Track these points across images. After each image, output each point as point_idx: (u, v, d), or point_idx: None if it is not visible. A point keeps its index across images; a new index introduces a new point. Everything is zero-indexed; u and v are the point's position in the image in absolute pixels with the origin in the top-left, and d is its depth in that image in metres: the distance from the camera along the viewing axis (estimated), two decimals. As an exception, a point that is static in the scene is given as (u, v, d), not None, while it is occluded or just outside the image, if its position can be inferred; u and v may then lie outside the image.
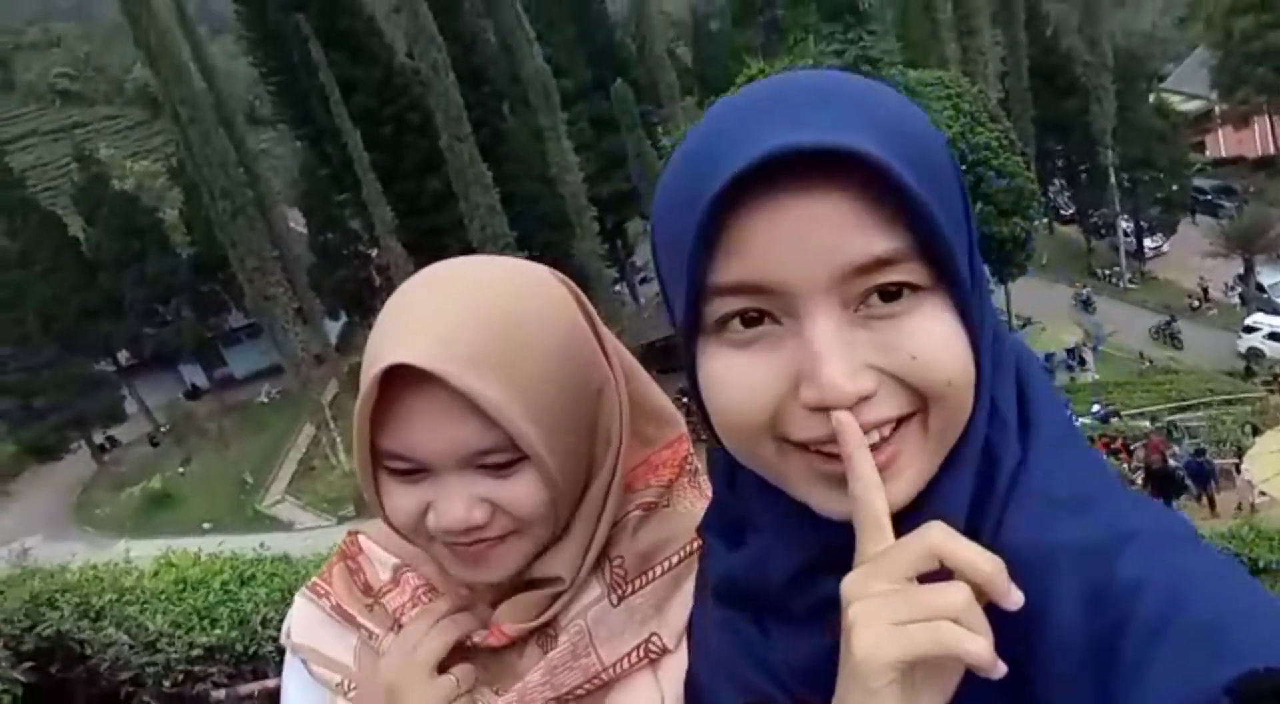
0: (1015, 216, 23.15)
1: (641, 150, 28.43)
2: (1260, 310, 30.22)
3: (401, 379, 0.78)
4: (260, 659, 5.98)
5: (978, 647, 0.56)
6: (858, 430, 0.60)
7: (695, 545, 0.94)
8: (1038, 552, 0.61)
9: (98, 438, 39.00)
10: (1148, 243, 38.13)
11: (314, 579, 1.06)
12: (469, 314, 0.81)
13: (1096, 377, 28.41)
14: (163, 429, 39.30)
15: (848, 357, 0.60)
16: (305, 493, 33.82)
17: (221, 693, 5.82)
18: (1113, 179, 35.95)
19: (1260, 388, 24.19)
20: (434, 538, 0.86)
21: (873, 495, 0.60)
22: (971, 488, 0.64)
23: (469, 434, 0.80)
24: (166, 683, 5.97)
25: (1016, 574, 0.60)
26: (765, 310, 0.61)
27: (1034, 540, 0.61)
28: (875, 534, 0.61)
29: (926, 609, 0.57)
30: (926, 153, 0.62)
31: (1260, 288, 31.85)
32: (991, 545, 0.60)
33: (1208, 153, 43.14)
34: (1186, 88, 43.16)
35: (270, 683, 5.80)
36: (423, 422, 0.80)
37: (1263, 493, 11.13)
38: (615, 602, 0.92)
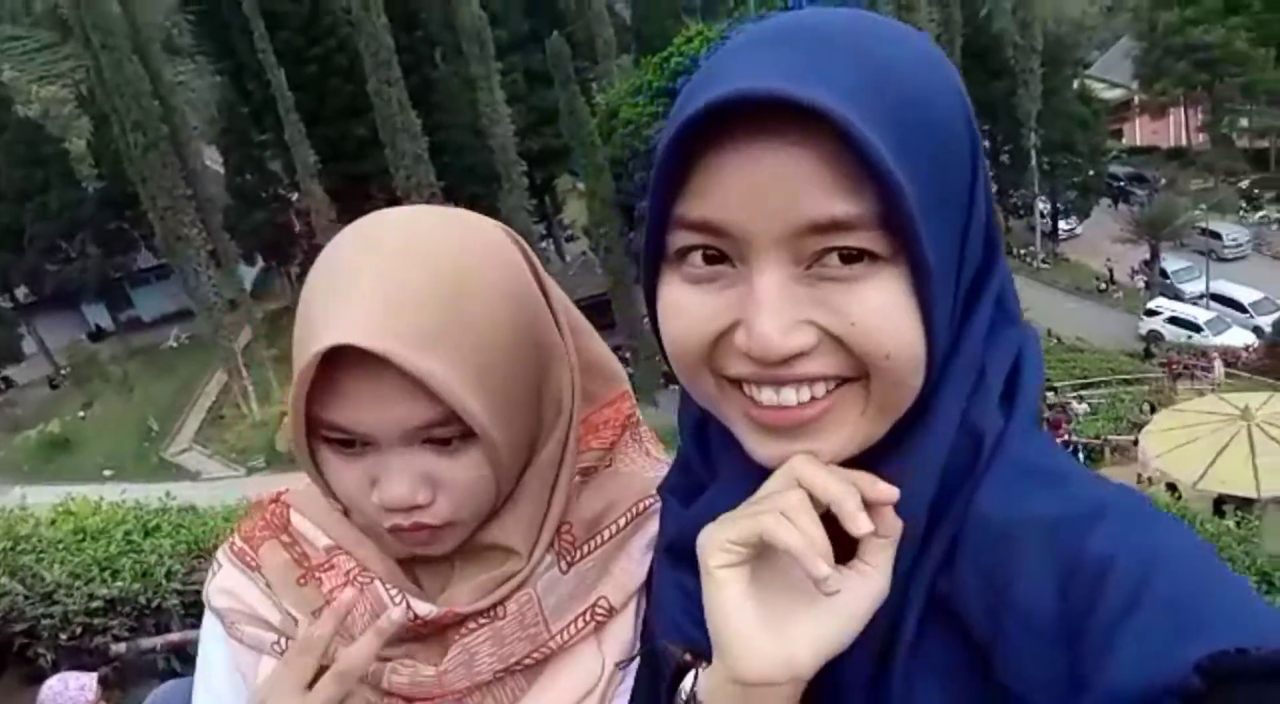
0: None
1: (574, 106, 28.01)
2: (1163, 295, 31.51)
3: (343, 354, 0.74)
4: (163, 612, 5.81)
5: (789, 537, 0.60)
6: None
7: (642, 506, 0.94)
8: (1009, 523, 0.61)
9: (-9, 377, 37.35)
10: (1062, 225, 39.26)
11: (240, 544, 0.98)
12: (417, 284, 0.77)
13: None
14: (63, 371, 37.75)
15: (786, 312, 0.60)
16: (214, 442, 32.97)
17: (122, 646, 5.63)
18: (1034, 161, 36.82)
19: (1158, 369, 25.27)
20: (374, 517, 0.83)
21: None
22: (944, 458, 0.64)
23: (414, 410, 0.77)
24: (64, 636, 5.76)
25: (987, 545, 0.61)
26: (723, 251, 0.62)
27: (1006, 512, 0.62)
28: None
29: (762, 506, 0.63)
30: (919, 116, 0.59)
31: (1164, 273, 33.16)
32: (965, 514, 0.63)
33: (1125, 140, 44.48)
34: (1110, 76, 44.31)
35: (174, 637, 5.64)
36: (366, 398, 0.77)
37: (1158, 468, 11.75)
38: (564, 569, 0.90)
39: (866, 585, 0.63)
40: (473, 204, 33.61)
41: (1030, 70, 35.75)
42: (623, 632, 0.91)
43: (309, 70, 33.00)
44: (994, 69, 38.30)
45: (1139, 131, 45.54)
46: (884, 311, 0.60)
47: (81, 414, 35.22)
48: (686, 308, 0.64)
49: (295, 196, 35.70)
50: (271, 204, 36.58)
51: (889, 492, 0.62)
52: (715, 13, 25.55)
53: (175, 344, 38.73)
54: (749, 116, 0.57)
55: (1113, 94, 43.28)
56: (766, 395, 0.63)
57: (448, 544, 0.86)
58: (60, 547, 6.45)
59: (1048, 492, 0.62)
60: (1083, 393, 22.69)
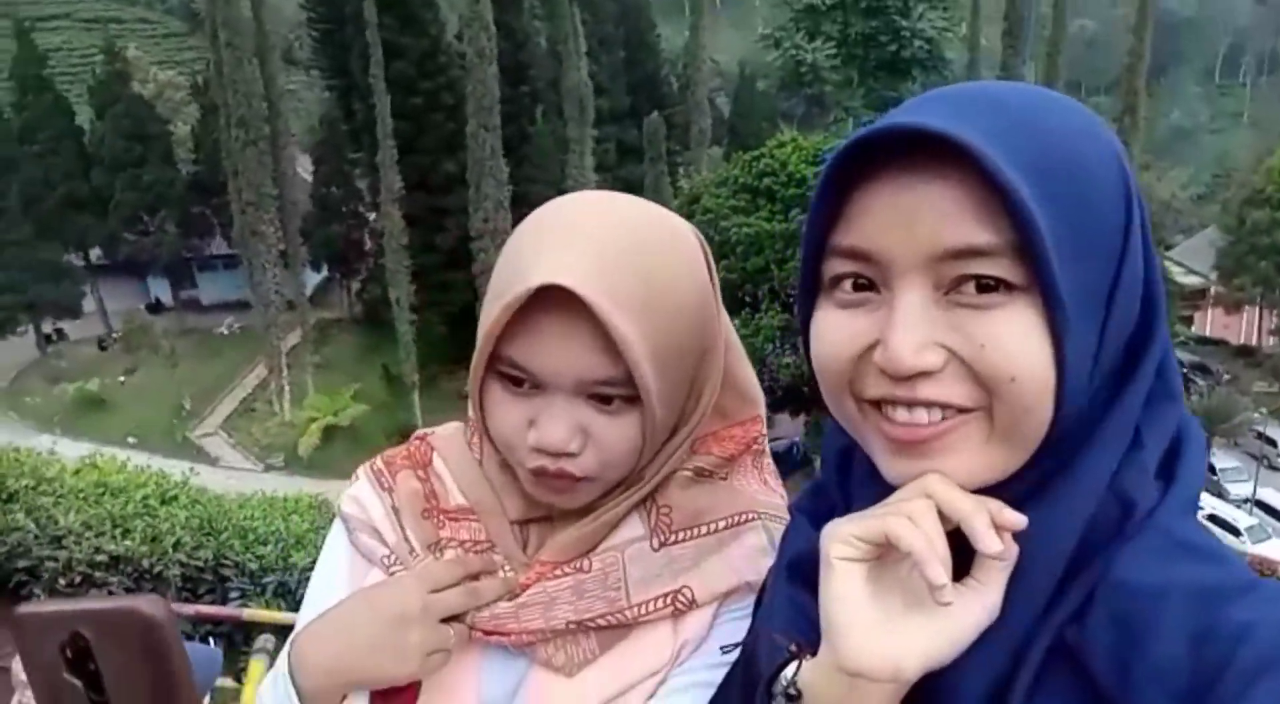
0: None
1: (659, 185, 28.63)
2: (1207, 491, 30.80)
3: (547, 297, 0.79)
4: (163, 581, 5.86)
5: (913, 539, 0.62)
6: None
7: (746, 517, 0.96)
8: (1151, 586, 0.61)
9: (47, 327, 38.25)
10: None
11: (380, 464, 1.05)
12: (624, 247, 0.83)
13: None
14: (114, 335, 38.59)
15: (921, 330, 0.63)
16: (239, 432, 33.31)
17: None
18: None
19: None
20: (523, 456, 0.87)
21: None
22: (1088, 514, 0.65)
23: (593, 363, 0.82)
24: (63, 581, 5.83)
25: (1125, 603, 0.61)
26: (872, 279, 0.66)
27: (1150, 576, 0.62)
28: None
29: (890, 509, 0.65)
30: (1063, 166, 0.62)
31: (1212, 469, 32.45)
32: (1105, 574, 0.63)
33: (1194, 328, 44.10)
34: (1190, 262, 44.19)
35: (206, 609, 5.65)
36: (554, 341, 0.82)
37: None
38: (656, 547, 0.93)
39: (979, 603, 0.64)
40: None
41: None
42: (699, 628, 0.92)
43: (414, 102, 34.11)
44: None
45: (1210, 322, 45.13)
46: (1012, 336, 0.62)
47: (122, 379, 35.86)
48: (833, 329, 0.69)
49: (373, 217, 36.58)
50: (349, 219, 37.54)
51: (1016, 518, 0.64)
52: (812, 124, 26.06)
53: (226, 332, 39.47)
54: (900, 152, 0.62)
55: (1190, 280, 43.09)
56: (900, 414, 0.66)
57: (579, 499, 0.90)
58: (80, 496, 6.56)
59: (1197, 565, 0.63)
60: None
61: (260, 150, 32.50)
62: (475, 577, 0.92)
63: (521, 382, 0.85)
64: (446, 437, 1.04)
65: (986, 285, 0.62)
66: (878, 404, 0.68)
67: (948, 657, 0.64)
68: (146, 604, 0.70)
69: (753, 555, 0.94)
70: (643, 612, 0.90)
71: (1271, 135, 56.07)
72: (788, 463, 31.47)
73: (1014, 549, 0.64)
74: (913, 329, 0.63)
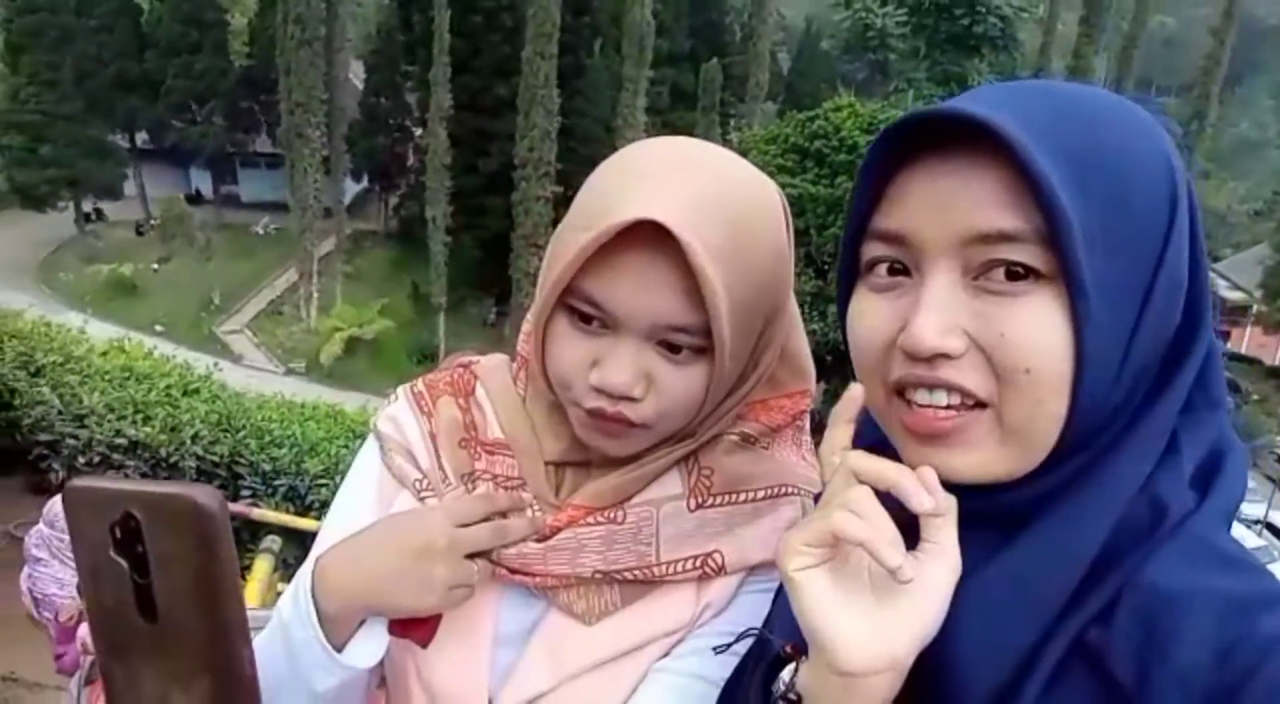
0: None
1: (710, 134, 28.26)
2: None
3: (633, 234, 0.78)
4: (179, 470, 5.96)
5: (858, 530, 0.62)
6: (848, 408, 0.70)
7: (785, 489, 0.95)
8: (1180, 591, 0.61)
9: (87, 205, 38.52)
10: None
11: (420, 387, 1.04)
12: (717, 195, 0.81)
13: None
14: (152, 221, 38.83)
15: (945, 313, 0.64)
16: (264, 332, 33.63)
17: (131, 488, 5.80)
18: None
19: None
20: (580, 395, 0.86)
21: (832, 455, 0.70)
22: (1116, 515, 0.65)
23: (673, 307, 0.80)
24: (81, 460, 5.95)
25: (1153, 605, 0.61)
26: (905, 263, 0.67)
27: (1179, 582, 0.62)
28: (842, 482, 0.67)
29: (831, 506, 0.66)
30: (1104, 154, 0.63)
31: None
32: (1134, 577, 0.63)
33: (1229, 344, 43.46)
34: (1235, 277, 43.40)
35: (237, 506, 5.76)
36: (635, 280, 0.80)
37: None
38: (692, 507, 0.92)
39: (939, 564, 0.64)
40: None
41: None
42: (723, 594, 0.92)
43: (473, 19, 33.67)
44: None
45: (1247, 340, 44.43)
46: (1033, 326, 0.62)
47: (155, 266, 36.17)
48: (867, 313, 0.70)
49: (419, 132, 36.39)
50: (395, 132, 37.36)
51: (928, 472, 0.65)
52: (871, 91, 25.55)
53: (262, 231, 39.62)
54: (940, 138, 0.64)
55: (1233, 295, 42.37)
56: (920, 396, 0.67)
57: (628, 447, 0.89)
58: (105, 377, 6.66)
59: (1230, 573, 0.62)
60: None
61: (314, 51, 32.20)
62: (504, 514, 0.92)
63: (591, 319, 0.83)
64: (491, 367, 1.03)
65: (1015, 273, 0.63)
66: (900, 392, 0.68)
67: (935, 625, 0.64)
68: (203, 494, 0.69)
69: (779, 528, 0.93)
70: (670, 571, 0.90)
71: (1341, 157, 54.48)
72: (801, 429, 31.49)
73: (950, 500, 0.65)
74: (937, 311, 0.64)
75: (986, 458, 0.66)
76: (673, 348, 0.83)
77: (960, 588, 0.65)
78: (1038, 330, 0.62)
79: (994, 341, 0.63)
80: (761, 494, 0.94)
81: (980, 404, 0.65)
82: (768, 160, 27.62)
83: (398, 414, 1.03)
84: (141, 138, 40.57)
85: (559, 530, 0.91)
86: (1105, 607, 0.63)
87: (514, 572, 0.92)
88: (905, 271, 0.68)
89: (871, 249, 0.69)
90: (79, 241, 37.96)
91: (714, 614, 0.92)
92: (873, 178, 0.68)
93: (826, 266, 25.84)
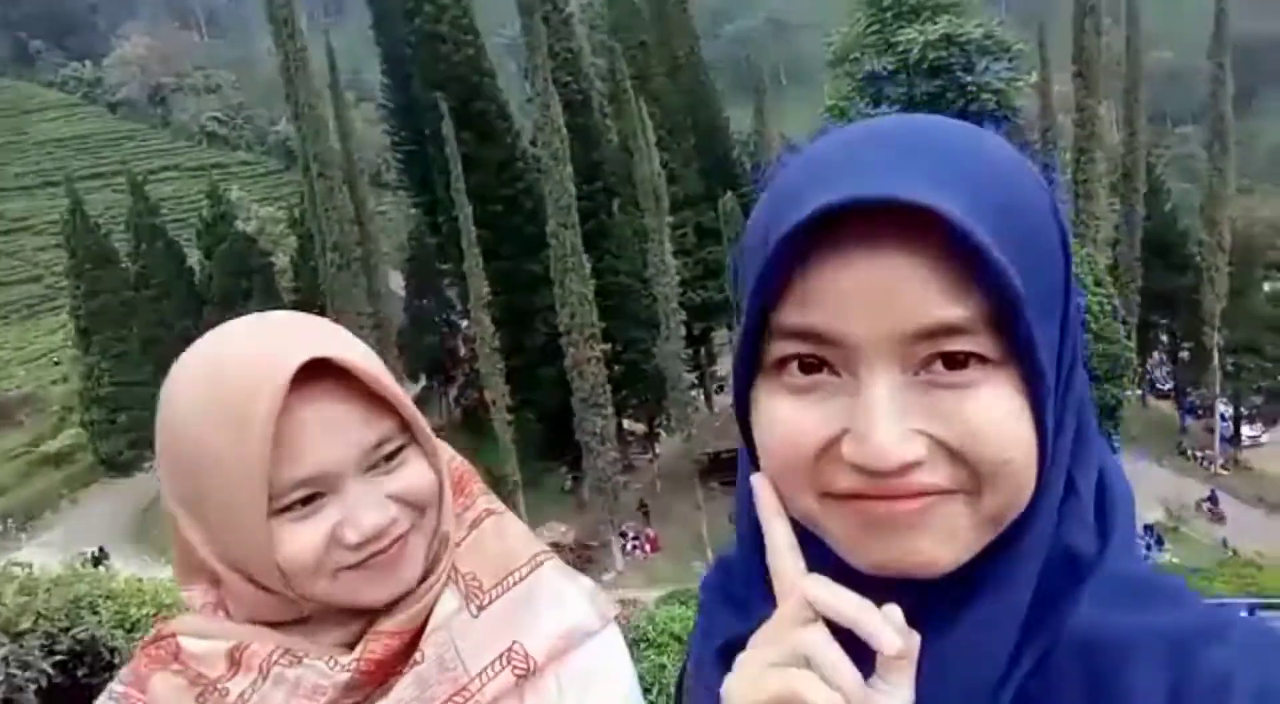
0: (1108, 384, 22.58)
1: (740, 264, 28.70)
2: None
3: (299, 395, 0.80)
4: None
5: (819, 698, 0.56)
6: (773, 500, 0.64)
7: (539, 558, 0.98)
8: (1118, 634, 0.59)
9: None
10: (1245, 430, 36.71)
11: (121, 689, 0.94)
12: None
13: (1174, 560, 27.11)
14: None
15: (899, 421, 0.57)
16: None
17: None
18: (1216, 361, 34.94)
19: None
20: (338, 568, 0.84)
21: (783, 559, 0.63)
22: (1037, 573, 0.61)
23: (362, 433, 0.83)
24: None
25: (1091, 654, 0.59)
26: (825, 359, 0.59)
27: (1115, 623, 0.59)
28: (785, 594, 0.62)
29: (787, 652, 0.59)
30: (1023, 212, 0.58)
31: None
32: (1068, 633, 0.60)
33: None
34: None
35: None
36: (319, 433, 0.82)
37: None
38: (475, 612, 0.93)
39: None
40: (630, 347, 34.55)
41: (1216, 267, 34.41)
42: (547, 697, 0.93)
43: (494, 209, 35.33)
44: (1175, 264, 37.11)
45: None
46: (1003, 416, 0.57)
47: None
48: (788, 420, 0.61)
49: (465, 323, 37.63)
50: (442, 328, 38.73)
51: (894, 610, 0.58)
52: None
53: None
54: (853, 219, 0.55)
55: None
56: (879, 508, 0.59)
57: (417, 559, 0.88)
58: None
59: (1159, 609, 0.60)
60: (1263, 615, 20.55)
61: (354, 272, 33.95)
62: None
63: (308, 499, 0.83)
64: (189, 621, 0.93)
65: (956, 360, 0.57)
66: (843, 497, 0.61)
67: None
68: None
69: (557, 596, 0.96)
70: (485, 679, 0.90)
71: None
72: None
73: (915, 641, 0.59)
74: (892, 418, 0.57)
75: (954, 543, 0.59)
76: (387, 459, 0.85)
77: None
78: (1007, 419, 0.57)
79: (962, 438, 0.57)
80: (525, 570, 0.96)
81: (948, 490, 0.59)
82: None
83: None
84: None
85: (370, 691, 0.89)
86: (1038, 662, 0.61)
87: None
88: (822, 366, 0.60)
89: (782, 347, 0.61)
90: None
91: None
92: (779, 268, 0.58)
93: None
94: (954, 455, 0.58)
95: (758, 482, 0.64)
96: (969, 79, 23.17)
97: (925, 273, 0.55)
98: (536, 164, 34.70)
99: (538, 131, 33.18)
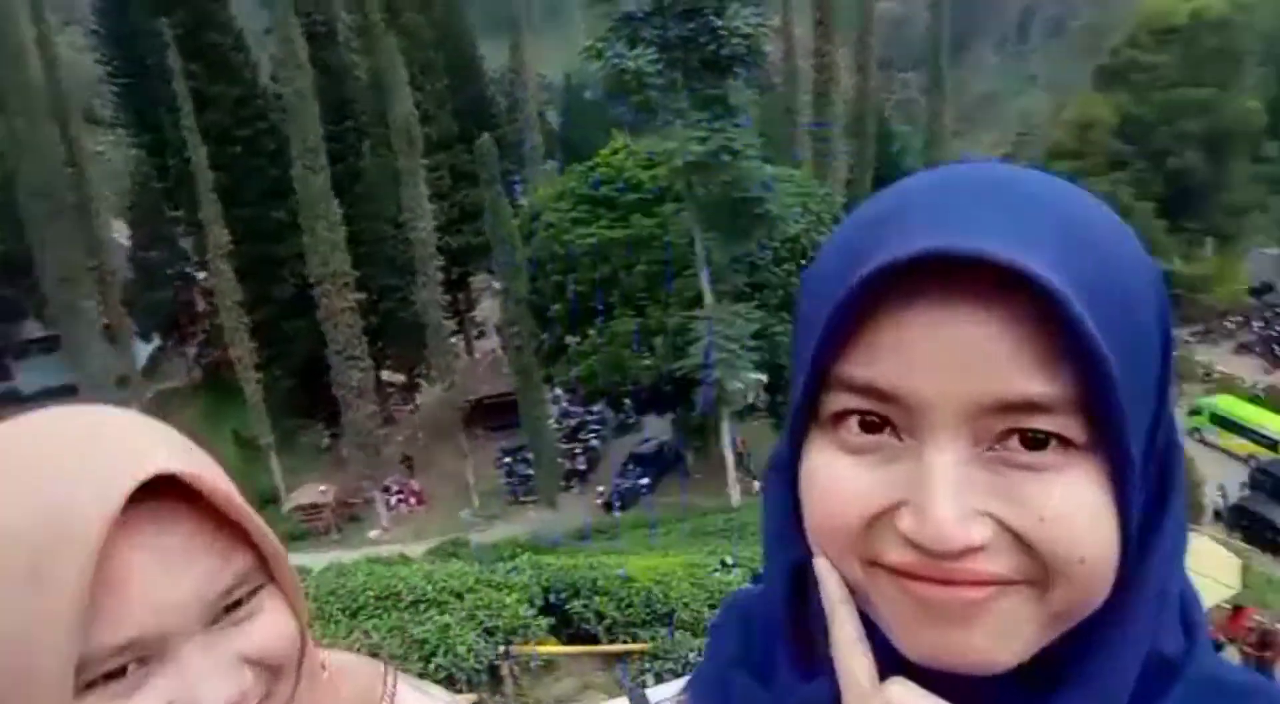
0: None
1: (497, 207, 28.14)
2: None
3: (126, 526, 0.60)
4: None
5: None
6: (840, 587, 0.58)
7: (390, 684, 0.88)
8: None
9: None
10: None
11: None
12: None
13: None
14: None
15: (964, 498, 0.52)
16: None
17: None
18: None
19: None
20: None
21: (852, 657, 0.57)
22: (1132, 685, 0.56)
23: (210, 577, 0.63)
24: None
25: None
26: (888, 419, 0.55)
27: None
28: (855, 698, 0.57)
29: None
30: (1122, 283, 0.52)
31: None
32: None
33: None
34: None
35: None
36: (151, 578, 0.61)
37: None
38: None
39: None
40: (386, 295, 33.23)
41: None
42: None
43: (232, 151, 32.67)
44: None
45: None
46: (1084, 510, 0.52)
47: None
48: (841, 480, 0.56)
49: (202, 276, 34.82)
50: (175, 281, 35.61)
51: None
52: (642, 129, 26.22)
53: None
54: (932, 272, 0.50)
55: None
56: (934, 592, 0.54)
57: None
58: None
59: None
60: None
61: (68, 220, 30.39)
62: None
63: (119, 672, 0.60)
64: None
65: (1036, 440, 0.52)
66: (894, 571, 0.55)
67: None
68: None
69: None
70: None
71: (1064, 94, 59.90)
72: (658, 464, 31.47)
73: None
74: (956, 496, 0.51)
75: (1019, 645, 0.54)
76: (235, 606, 0.64)
77: None
78: (1085, 513, 0.52)
79: (1032, 527, 0.51)
80: None
81: (1012, 581, 0.53)
82: (561, 216, 27.83)
83: None
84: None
85: None
86: None
87: None
88: (884, 426, 0.55)
89: (840, 400, 0.55)
90: None
91: None
92: (843, 317, 0.53)
93: (641, 302, 26.09)
94: (1022, 544, 0.52)
95: (822, 568, 0.59)
96: (719, 23, 23.57)
97: (1009, 337, 0.50)
98: (278, 102, 32.26)
99: (278, 67, 30.81)
